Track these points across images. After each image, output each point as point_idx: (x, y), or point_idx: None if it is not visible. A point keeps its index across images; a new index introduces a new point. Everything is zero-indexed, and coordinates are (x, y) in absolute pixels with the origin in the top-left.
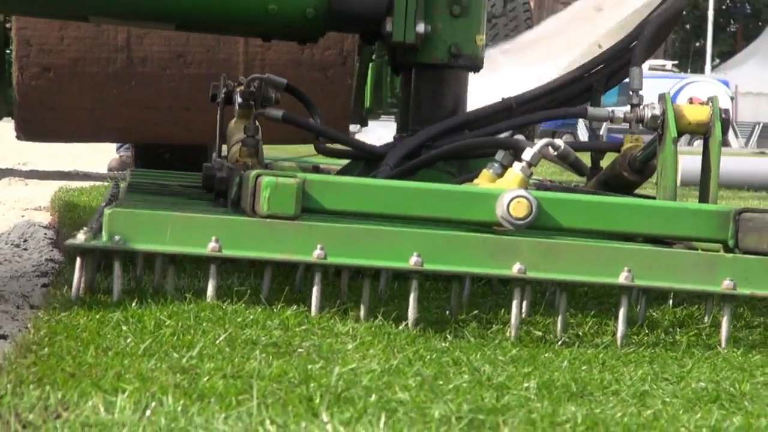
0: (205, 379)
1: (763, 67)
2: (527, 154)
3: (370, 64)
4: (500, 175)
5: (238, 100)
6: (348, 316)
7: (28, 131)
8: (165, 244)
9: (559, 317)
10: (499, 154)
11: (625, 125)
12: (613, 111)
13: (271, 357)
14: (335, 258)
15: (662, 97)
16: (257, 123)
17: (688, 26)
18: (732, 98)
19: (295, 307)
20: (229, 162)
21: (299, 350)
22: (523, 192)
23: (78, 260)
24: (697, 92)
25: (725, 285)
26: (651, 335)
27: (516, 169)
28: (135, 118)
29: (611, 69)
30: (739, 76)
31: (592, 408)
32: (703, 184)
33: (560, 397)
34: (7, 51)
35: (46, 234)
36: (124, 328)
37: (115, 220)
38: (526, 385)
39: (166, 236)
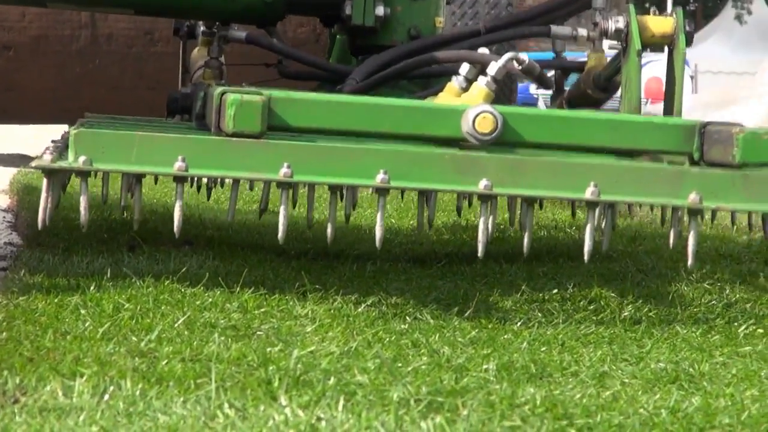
0: (164, 362)
1: (723, 46)
2: (492, 68)
3: (336, 39)
4: (465, 89)
5: (201, 29)
6: (307, 298)
7: None
8: (131, 164)
9: (526, 234)
10: (464, 68)
11: None
12: (576, 29)
13: (230, 340)
14: (302, 176)
15: (626, 9)
16: (220, 45)
17: (647, 5)
18: (692, 77)
19: (253, 289)
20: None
21: (258, 333)
22: (488, 107)
23: (45, 181)
24: (658, 72)
25: (691, 199)
26: (610, 314)
27: (481, 84)
28: (98, 98)
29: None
30: (698, 54)
31: (551, 389)
32: (668, 97)
33: (519, 378)
34: None
35: (4, 217)
36: (83, 311)
37: (81, 140)
38: (485, 366)
39: (132, 156)
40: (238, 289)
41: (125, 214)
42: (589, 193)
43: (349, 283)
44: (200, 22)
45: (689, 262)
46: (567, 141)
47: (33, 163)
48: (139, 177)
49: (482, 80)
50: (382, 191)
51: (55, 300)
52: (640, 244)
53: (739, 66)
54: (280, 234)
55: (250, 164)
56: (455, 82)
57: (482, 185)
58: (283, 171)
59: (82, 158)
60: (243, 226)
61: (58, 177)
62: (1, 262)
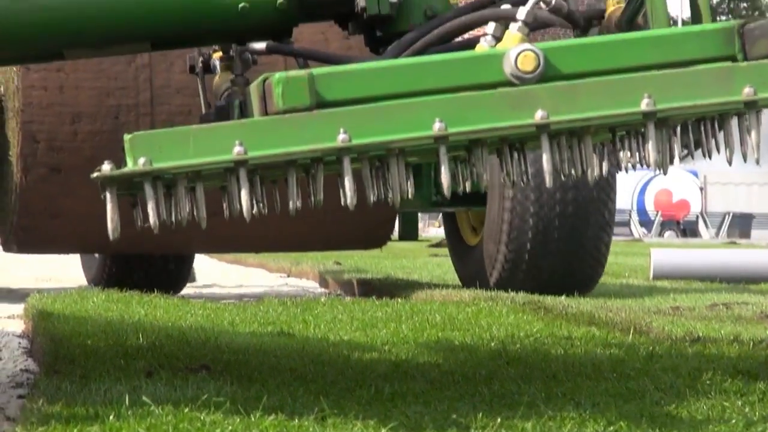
0: None
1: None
2: (521, 13)
3: None
4: (498, 42)
5: (217, 62)
6: (327, 423)
7: (24, 242)
8: (189, 158)
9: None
10: (490, 27)
11: None
12: None
13: None
14: (360, 139)
15: None
16: (242, 60)
17: None
18: (701, 189)
19: (273, 416)
20: None
21: None
22: (527, 45)
23: (108, 194)
24: (666, 184)
25: (746, 93)
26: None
27: (513, 30)
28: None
29: None
30: (707, 166)
31: None
32: (695, 13)
33: None
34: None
35: (20, 343)
36: None
37: (137, 143)
38: None
39: (190, 150)
40: (258, 415)
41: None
42: (644, 105)
43: (368, 407)
44: (214, 55)
45: (754, 154)
46: (610, 65)
47: (93, 175)
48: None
49: (513, 27)
50: (441, 140)
51: (75, 430)
52: (657, 361)
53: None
54: (349, 200)
55: (308, 137)
56: (484, 43)
57: (538, 116)
58: (341, 137)
59: (141, 160)
60: (259, 349)
61: (121, 187)
62: (18, 389)
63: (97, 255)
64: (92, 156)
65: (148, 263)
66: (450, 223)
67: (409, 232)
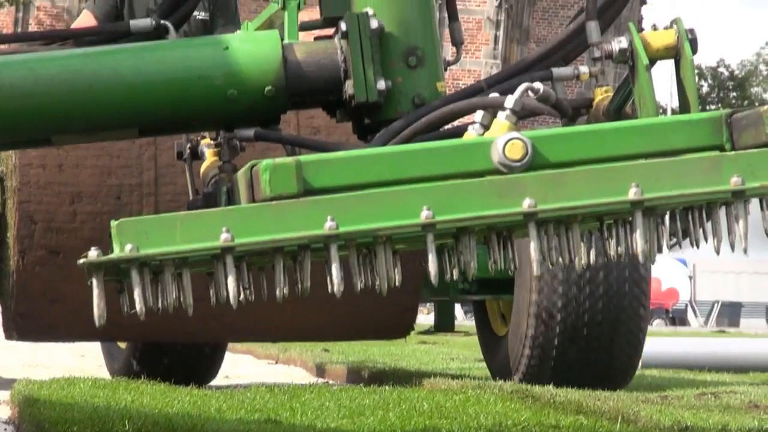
0: None
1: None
2: (508, 101)
3: None
4: (486, 130)
5: (205, 148)
6: None
7: (24, 329)
8: (176, 244)
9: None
10: (478, 116)
11: None
12: (577, 68)
13: None
14: (347, 226)
15: (627, 29)
16: (230, 147)
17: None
18: (690, 277)
19: None
20: None
21: None
22: (515, 134)
23: (95, 281)
24: (655, 272)
25: (734, 182)
26: None
27: (501, 119)
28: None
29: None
30: (696, 254)
31: None
32: (683, 103)
33: None
34: None
35: (6, 429)
36: None
37: (123, 229)
38: None
39: (176, 236)
40: None
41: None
42: (632, 194)
43: None
44: (202, 142)
45: (742, 245)
46: (598, 154)
47: (80, 261)
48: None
49: (501, 115)
50: (428, 227)
51: None
52: None
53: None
54: (336, 288)
55: (295, 223)
56: (472, 131)
57: (526, 204)
58: (329, 224)
59: (128, 246)
60: None
61: (109, 273)
62: None
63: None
64: (92, 238)
65: (183, 349)
66: (479, 312)
67: (446, 323)
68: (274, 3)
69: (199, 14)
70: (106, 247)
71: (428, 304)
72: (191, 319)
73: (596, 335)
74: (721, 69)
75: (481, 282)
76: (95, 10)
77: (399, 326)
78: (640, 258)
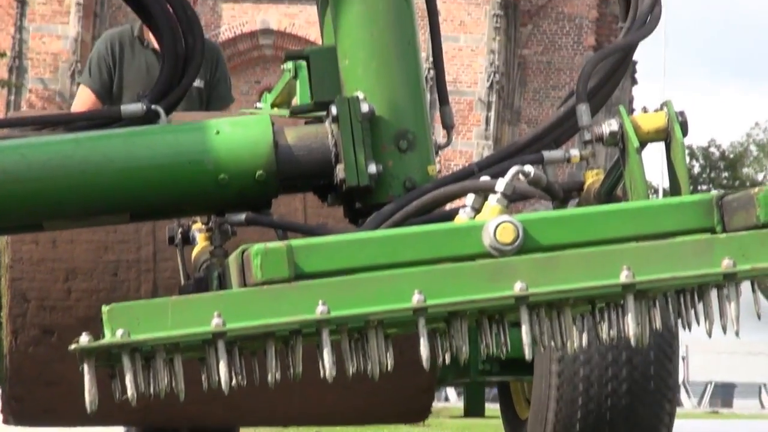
0: None
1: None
2: (500, 185)
3: None
4: (477, 213)
5: (196, 233)
6: None
7: (19, 414)
8: (168, 330)
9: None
10: (469, 199)
11: None
12: (568, 151)
13: None
14: (339, 310)
15: (617, 112)
16: (221, 231)
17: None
18: (683, 358)
19: None
20: None
21: None
22: (506, 217)
23: (86, 366)
24: None
25: (725, 265)
26: None
27: (492, 202)
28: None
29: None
30: (689, 335)
31: None
32: (674, 185)
33: None
34: None
35: None
36: None
37: (114, 315)
38: None
39: (168, 321)
40: None
41: None
42: (624, 277)
43: None
44: (193, 227)
45: (734, 327)
46: (589, 237)
47: (71, 347)
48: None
49: (492, 198)
50: (420, 312)
51: None
52: None
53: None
54: (327, 373)
55: (286, 308)
56: (463, 214)
57: (518, 288)
58: (320, 309)
59: (119, 332)
60: None
61: (100, 358)
62: None
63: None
64: (88, 316)
65: None
66: (503, 395)
67: (475, 407)
68: (287, 72)
69: (195, 82)
70: (102, 329)
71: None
72: (195, 403)
73: (619, 420)
74: (713, 149)
75: (502, 363)
76: (92, 85)
77: (416, 409)
78: (632, 341)
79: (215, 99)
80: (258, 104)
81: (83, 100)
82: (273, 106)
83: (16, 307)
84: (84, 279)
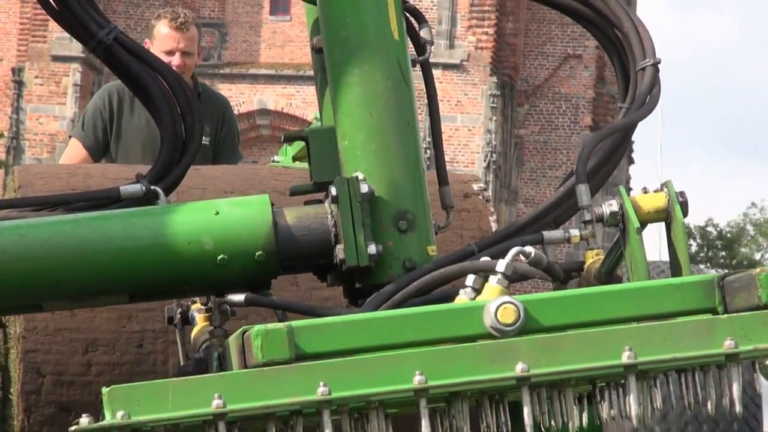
0: None
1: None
2: (500, 265)
3: None
4: (477, 294)
5: (195, 313)
6: None
7: None
8: (168, 411)
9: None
10: (469, 280)
11: None
12: (568, 231)
13: None
14: (340, 392)
15: (617, 192)
16: (221, 312)
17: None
18: None
19: None
20: None
21: None
22: (508, 298)
23: None
24: None
25: (727, 345)
26: None
27: (492, 283)
28: None
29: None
30: None
31: None
32: (674, 266)
33: None
34: None
35: None
36: None
37: (115, 396)
38: None
39: (169, 403)
40: None
41: None
42: (625, 357)
43: None
44: (193, 307)
45: (735, 407)
46: (590, 318)
47: (71, 429)
48: None
49: (493, 279)
50: (421, 392)
51: None
52: None
53: None
54: None
55: (287, 389)
56: (463, 295)
57: (519, 369)
58: (321, 390)
59: (119, 413)
60: None
61: None
62: None
63: None
64: None
65: None
66: None
67: None
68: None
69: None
70: None
71: None
72: None
73: None
74: (710, 228)
75: None
76: (84, 140)
77: None
78: (634, 422)
79: (222, 157)
80: (276, 158)
81: (73, 154)
82: (294, 159)
83: (30, 383)
84: (105, 351)
